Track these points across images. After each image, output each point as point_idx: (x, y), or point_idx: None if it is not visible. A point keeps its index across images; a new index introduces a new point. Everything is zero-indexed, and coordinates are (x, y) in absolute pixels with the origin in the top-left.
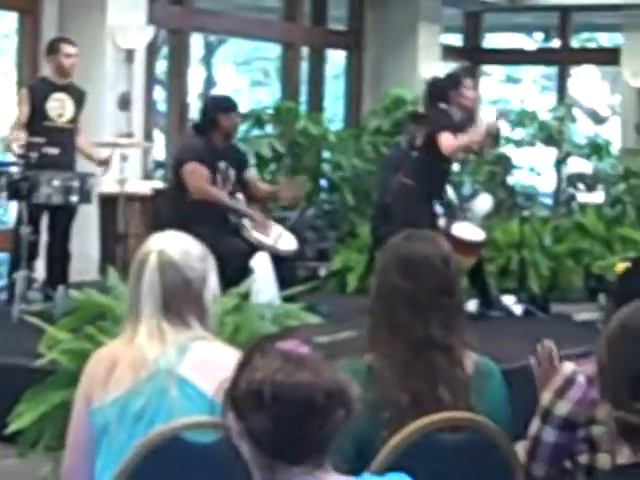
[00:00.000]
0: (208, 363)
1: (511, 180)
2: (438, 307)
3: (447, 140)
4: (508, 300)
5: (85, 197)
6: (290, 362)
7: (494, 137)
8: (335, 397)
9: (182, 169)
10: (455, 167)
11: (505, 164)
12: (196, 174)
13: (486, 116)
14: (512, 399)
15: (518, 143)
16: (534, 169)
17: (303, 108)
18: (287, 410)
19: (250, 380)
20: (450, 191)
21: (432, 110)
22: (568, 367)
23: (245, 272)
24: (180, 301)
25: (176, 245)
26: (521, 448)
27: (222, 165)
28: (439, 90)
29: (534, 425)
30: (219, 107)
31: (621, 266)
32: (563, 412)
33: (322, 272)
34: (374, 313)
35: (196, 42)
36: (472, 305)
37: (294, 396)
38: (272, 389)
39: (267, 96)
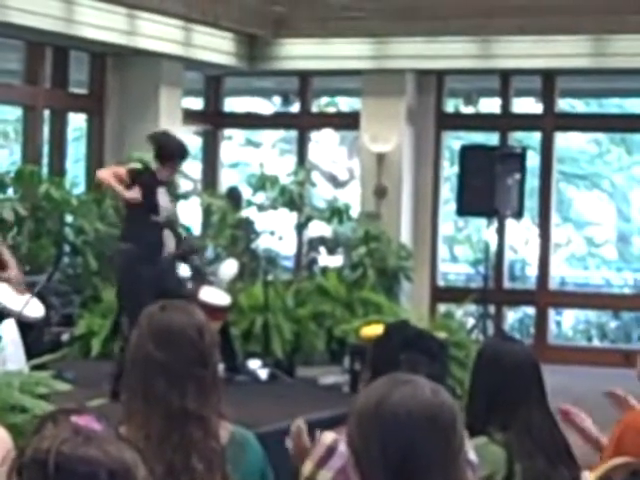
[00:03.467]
0: None
1: (254, 244)
2: (193, 378)
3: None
4: (254, 364)
5: None
6: (79, 435)
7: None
8: (119, 477)
9: None
10: (197, 231)
11: (248, 228)
12: None
13: None
14: (270, 463)
15: (260, 207)
16: (275, 233)
17: (45, 171)
18: None
19: (37, 449)
20: (196, 256)
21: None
22: (328, 436)
23: None
24: None
25: None
26: None
27: None
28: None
29: None
30: None
31: (367, 330)
32: None
33: (65, 337)
34: (129, 384)
35: None
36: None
37: (77, 469)
38: (56, 459)
39: (6, 159)
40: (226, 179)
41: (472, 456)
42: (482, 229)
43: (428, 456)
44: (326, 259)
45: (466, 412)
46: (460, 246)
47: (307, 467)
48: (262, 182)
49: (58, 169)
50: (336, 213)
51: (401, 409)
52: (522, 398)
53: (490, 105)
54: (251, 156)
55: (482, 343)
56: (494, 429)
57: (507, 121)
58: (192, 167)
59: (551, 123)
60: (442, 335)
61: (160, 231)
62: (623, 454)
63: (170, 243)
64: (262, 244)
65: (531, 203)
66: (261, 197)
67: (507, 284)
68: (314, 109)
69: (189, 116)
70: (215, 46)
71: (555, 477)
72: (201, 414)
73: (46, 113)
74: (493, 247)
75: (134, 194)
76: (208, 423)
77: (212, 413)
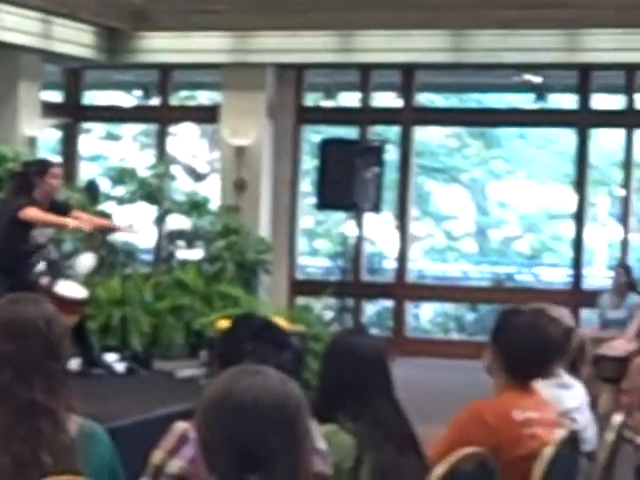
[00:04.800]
0: None
1: (111, 238)
2: (42, 370)
3: (31, 212)
4: (110, 357)
5: None
6: None
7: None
8: None
9: None
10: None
11: None
12: None
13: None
14: (121, 457)
15: (119, 200)
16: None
17: None
18: None
19: None
20: (52, 250)
21: (17, 199)
22: (180, 425)
23: None
24: None
25: None
26: None
27: None
28: (26, 179)
29: None
30: None
31: (222, 323)
32: (174, 470)
33: None
34: None
35: None
36: (75, 364)
37: None
38: None
39: None
40: (85, 172)
41: (322, 445)
42: (343, 222)
43: (273, 445)
44: (185, 252)
45: (317, 401)
46: (320, 239)
47: (157, 456)
48: (121, 175)
49: None
50: (195, 206)
51: (247, 397)
52: (372, 390)
53: (350, 99)
54: (111, 149)
55: (332, 336)
56: (345, 418)
57: (367, 115)
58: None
59: (410, 117)
60: (300, 328)
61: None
62: (466, 445)
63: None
64: (120, 237)
65: (392, 197)
66: (120, 190)
67: (365, 277)
68: (174, 102)
69: (48, 109)
70: (74, 39)
71: (405, 466)
72: (50, 407)
73: None
74: (352, 240)
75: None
76: (57, 416)
77: (61, 406)
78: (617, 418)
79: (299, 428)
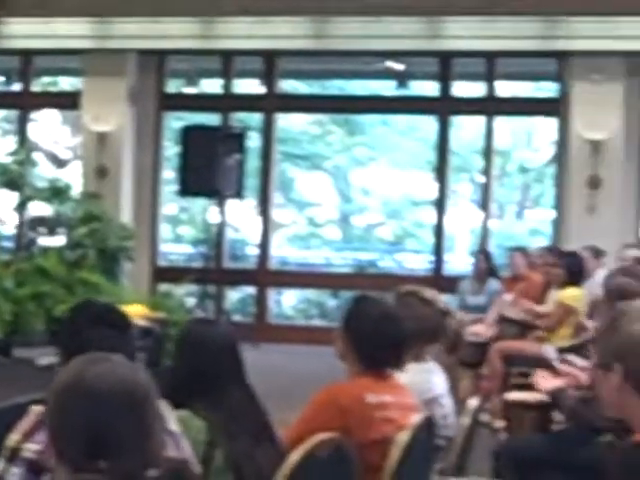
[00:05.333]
0: None
1: None
2: None
3: None
4: None
5: None
6: None
7: None
8: None
9: None
10: None
11: None
12: None
13: None
14: None
15: None
16: None
17: None
18: None
19: None
20: None
21: None
22: (38, 409)
23: None
24: None
25: None
26: None
27: None
28: None
29: None
30: None
31: None
32: (29, 455)
33: None
34: None
35: None
36: None
37: None
38: None
39: None
40: None
41: (174, 427)
42: (207, 209)
43: (122, 431)
44: (47, 239)
45: (171, 388)
46: (184, 226)
47: (13, 438)
48: None
49: None
50: (57, 193)
51: (97, 385)
52: (224, 379)
53: (212, 86)
54: None
55: (184, 326)
56: (198, 407)
57: (229, 102)
58: None
59: (273, 104)
60: (161, 315)
61: None
62: (322, 430)
63: None
64: None
65: (254, 183)
66: None
67: (228, 264)
68: (36, 88)
69: None
70: None
71: (260, 456)
72: None
73: None
74: (215, 227)
75: None
76: None
77: None
78: (473, 402)
79: (148, 414)
